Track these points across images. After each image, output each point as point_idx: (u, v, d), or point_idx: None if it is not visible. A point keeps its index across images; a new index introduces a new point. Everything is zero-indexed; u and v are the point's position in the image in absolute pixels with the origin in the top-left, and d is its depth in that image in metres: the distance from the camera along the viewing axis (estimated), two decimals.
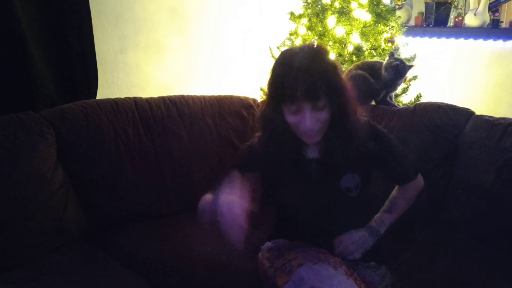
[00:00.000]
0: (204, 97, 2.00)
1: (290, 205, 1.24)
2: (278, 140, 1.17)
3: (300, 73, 1.04)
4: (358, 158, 1.18)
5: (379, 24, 2.21)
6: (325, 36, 2.27)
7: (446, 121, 1.66)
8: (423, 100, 2.29)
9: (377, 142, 1.21)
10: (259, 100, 2.19)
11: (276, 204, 1.35)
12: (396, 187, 1.34)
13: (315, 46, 1.12)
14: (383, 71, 1.84)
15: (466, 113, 1.68)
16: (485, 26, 2.48)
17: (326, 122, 1.11)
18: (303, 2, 2.40)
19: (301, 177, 1.22)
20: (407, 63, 1.82)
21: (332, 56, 2.13)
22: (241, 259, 1.46)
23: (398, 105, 1.96)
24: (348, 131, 1.14)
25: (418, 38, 2.77)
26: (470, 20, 2.49)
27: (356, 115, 1.17)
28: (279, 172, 1.23)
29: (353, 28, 2.18)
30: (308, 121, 1.07)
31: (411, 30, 2.67)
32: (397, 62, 1.79)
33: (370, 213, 1.31)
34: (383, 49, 2.22)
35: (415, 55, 2.33)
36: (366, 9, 2.18)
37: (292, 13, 2.41)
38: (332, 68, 1.09)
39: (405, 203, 1.31)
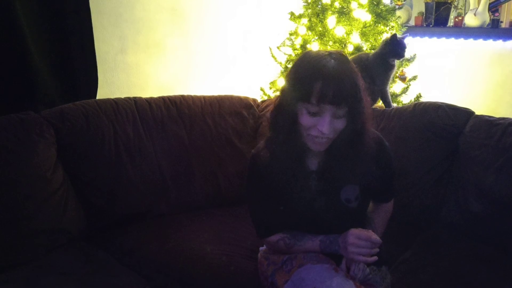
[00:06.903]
0: (204, 97, 2.00)
1: (290, 215, 1.24)
2: (285, 141, 1.14)
3: (332, 76, 1.02)
4: (360, 171, 1.17)
5: (379, 24, 2.21)
6: (325, 36, 2.27)
7: (446, 121, 1.66)
8: (423, 100, 2.28)
9: (381, 160, 1.20)
10: (259, 100, 2.19)
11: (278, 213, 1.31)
12: (373, 210, 1.33)
13: (342, 54, 1.10)
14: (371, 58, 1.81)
15: (466, 113, 1.68)
16: (485, 26, 2.48)
17: (338, 132, 1.10)
18: (303, 2, 2.40)
19: (301, 188, 1.20)
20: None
21: None
22: (241, 259, 1.46)
23: (393, 105, 1.94)
24: (359, 145, 1.12)
25: (418, 38, 2.77)
26: (470, 20, 2.49)
27: (370, 130, 1.16)
28: (281, 181, 1.20)
29: (353, 28, 2.18)
30: (326, 125, 1.05)
31: (411, 30, 2.67)
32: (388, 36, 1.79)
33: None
34: None
35: (415, 55, 2.33)
36: (366, 9, 2.18)
37: (292, 13, 2.41)
38: (358, 80, 1.08)
39: (383, 227, 1.32)
